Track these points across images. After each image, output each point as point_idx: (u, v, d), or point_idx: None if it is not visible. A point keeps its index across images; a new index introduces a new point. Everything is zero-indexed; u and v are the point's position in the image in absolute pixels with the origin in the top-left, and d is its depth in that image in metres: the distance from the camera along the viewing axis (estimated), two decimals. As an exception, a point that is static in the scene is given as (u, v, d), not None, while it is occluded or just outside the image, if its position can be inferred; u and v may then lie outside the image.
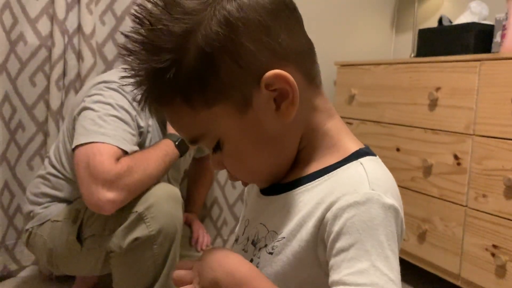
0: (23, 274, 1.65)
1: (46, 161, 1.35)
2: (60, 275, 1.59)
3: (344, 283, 0.47)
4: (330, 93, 2.05)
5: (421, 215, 1.57)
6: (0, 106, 1.55)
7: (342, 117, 0.59)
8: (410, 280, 1.69)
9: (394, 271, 0.48)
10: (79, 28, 1.60)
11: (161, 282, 1.13)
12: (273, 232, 0.55)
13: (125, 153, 1.13)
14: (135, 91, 0.53)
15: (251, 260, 0.56)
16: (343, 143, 0.56)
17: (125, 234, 1.10)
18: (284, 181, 0.57)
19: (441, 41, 1.70)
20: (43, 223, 1.27)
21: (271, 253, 0.54)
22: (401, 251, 1.54)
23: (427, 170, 1.54)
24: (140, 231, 1.09)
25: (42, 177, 1.32)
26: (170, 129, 1.27)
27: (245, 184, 0.61)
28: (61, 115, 1.62)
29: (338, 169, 0.53)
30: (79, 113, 1.19)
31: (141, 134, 1.26)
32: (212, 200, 1.90)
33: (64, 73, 1.62)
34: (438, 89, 1.50)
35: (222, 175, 1.90)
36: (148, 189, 1.13)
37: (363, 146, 0.56)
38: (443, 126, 1.49)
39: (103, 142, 1.11)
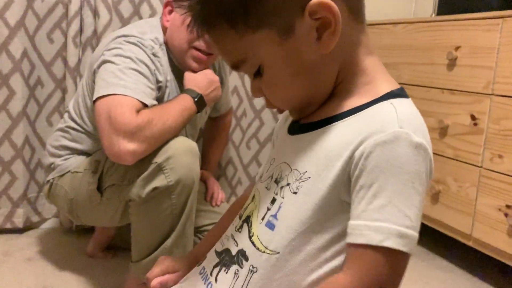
0: (45, 226, 1.71)
1: (66, 115, 1.38)
2: (80, 227, 1.65)
3: (360, 218, 0.49)
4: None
5: (435, 176, 1.58)
6: (20, 62, 1.57)
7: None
8: (421, 241, 1.71)
9: (413, 208, 0.49)
10: (95, -16, 1.60)
11: (178, 231, 1.17)
12: (295, 171, 0.56)
13: (145, 106, 1.15)
14: (187, 14, 0.56)
15: (273, 199, 0.57)
16: (378, 82, 0.56)
17: (144, 184, 1.12)
18: (313, 119, 0.58)
19: (463, -1, 1.66)
20: (63, 175, 1.30)
21: (295, 193, 0.55)
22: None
23: (443, 131, 1.54)
24: (159, 181, 1.11)
25: (62, 130, 1.35)
26: (188, 84, 1.28)
27: (280, 111, 0.63)
28: (78, 72, 1.63)
29: (368, 109, 0.54)
30: (99, 66, 1.20)
31: (160, 88, 1.27)
32: (227, 160, 1.92)
33: (80, 30, 1.62)
34: (457, 48, 1.48)
35: (237, 135, 1.91)
36: (167, 141, 1.15)
37: (397, 87, 0.56)
38: (461, 86, 1.47)
39: (124, 95, 1.12)
